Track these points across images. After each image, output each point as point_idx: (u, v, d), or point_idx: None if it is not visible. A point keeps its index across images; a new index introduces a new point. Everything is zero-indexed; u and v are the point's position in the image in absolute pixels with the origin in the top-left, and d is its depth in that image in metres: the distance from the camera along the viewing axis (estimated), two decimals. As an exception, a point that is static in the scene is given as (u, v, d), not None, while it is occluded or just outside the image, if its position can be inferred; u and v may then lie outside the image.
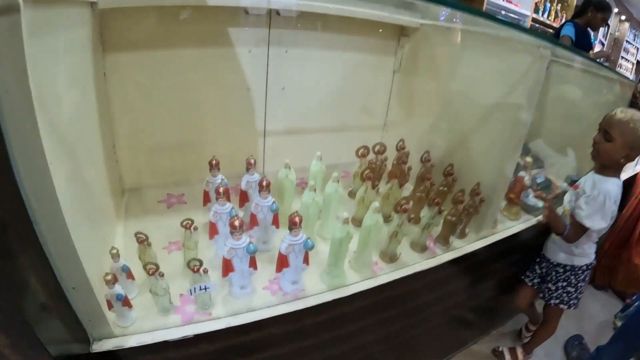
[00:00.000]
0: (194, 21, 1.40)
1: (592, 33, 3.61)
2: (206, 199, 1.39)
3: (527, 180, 1.80)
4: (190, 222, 1.19)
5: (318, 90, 1.83)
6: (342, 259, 1.21)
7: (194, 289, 1.03)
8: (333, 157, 1.73)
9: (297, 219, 1.07)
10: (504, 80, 1.51)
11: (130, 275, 1.10)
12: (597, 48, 6.38)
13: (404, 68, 1.95)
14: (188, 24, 1.40)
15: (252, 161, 1.34)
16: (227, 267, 1.09)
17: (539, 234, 1.95)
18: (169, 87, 1.47)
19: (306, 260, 1.16)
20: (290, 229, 1.09)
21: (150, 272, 1.02)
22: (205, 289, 1.04)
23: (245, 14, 1.49)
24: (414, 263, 1.40)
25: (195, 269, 1.03)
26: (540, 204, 1.94)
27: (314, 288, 1.22)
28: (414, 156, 1.70)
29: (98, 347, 0.90)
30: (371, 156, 1.65)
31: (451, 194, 1.53)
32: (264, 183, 1.22)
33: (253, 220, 1.28)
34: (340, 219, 1.15)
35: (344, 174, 1.89)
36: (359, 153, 1.61)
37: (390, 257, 1.36)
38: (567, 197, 1.81)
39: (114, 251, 1.05)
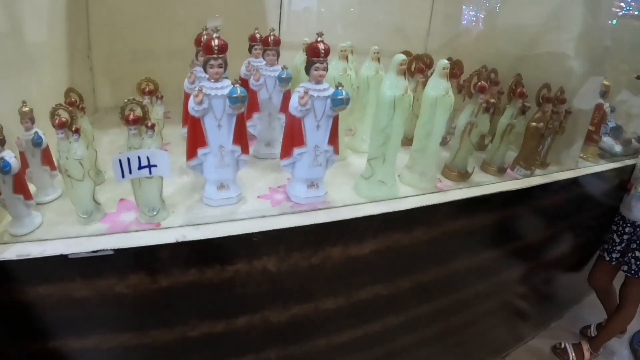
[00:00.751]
0: None
1: None
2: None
3: (607, 108, 1.22)
4: (153, 85, 0.65)
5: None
6: (394, 149, 0.63)
7: (127, 160, 0.47)
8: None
9: (321, 47, 0.51)
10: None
11: (48, 160, 0.57)
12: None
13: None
14: None
15: (258, 35, 0.81)
16: (195, 137, 0.53)
17: (617, 189, 1.35)
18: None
19: (333, 139, 0.58)
20: (309, 65, 0.53)
21: (57, 123, 0.47)
22: (149, 166, 0.48)
23: None
24: (491, 182, 0.81)
25: (132, 118, 0.47)
26: (617, 148, 1.36)
27: (344, 201, 0.65)
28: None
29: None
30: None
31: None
32: (272, 38, 0.68)
33: (252, 104, 0.73)
34: (393, 65, 0.58)
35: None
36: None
37: (459, 173, 0.78)
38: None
39: (26, 109, 0.52)
